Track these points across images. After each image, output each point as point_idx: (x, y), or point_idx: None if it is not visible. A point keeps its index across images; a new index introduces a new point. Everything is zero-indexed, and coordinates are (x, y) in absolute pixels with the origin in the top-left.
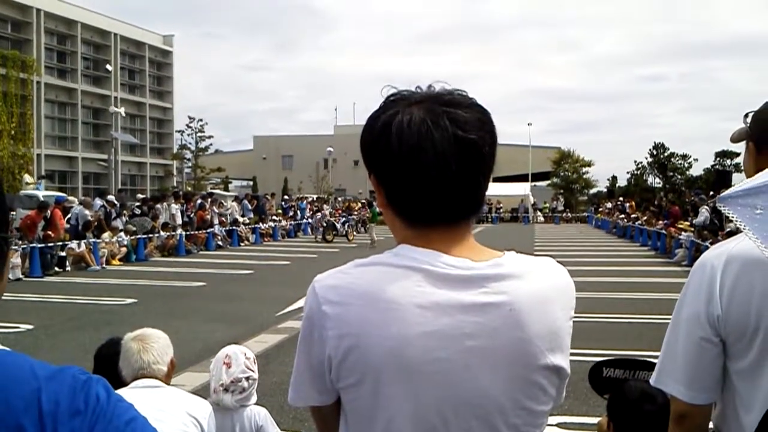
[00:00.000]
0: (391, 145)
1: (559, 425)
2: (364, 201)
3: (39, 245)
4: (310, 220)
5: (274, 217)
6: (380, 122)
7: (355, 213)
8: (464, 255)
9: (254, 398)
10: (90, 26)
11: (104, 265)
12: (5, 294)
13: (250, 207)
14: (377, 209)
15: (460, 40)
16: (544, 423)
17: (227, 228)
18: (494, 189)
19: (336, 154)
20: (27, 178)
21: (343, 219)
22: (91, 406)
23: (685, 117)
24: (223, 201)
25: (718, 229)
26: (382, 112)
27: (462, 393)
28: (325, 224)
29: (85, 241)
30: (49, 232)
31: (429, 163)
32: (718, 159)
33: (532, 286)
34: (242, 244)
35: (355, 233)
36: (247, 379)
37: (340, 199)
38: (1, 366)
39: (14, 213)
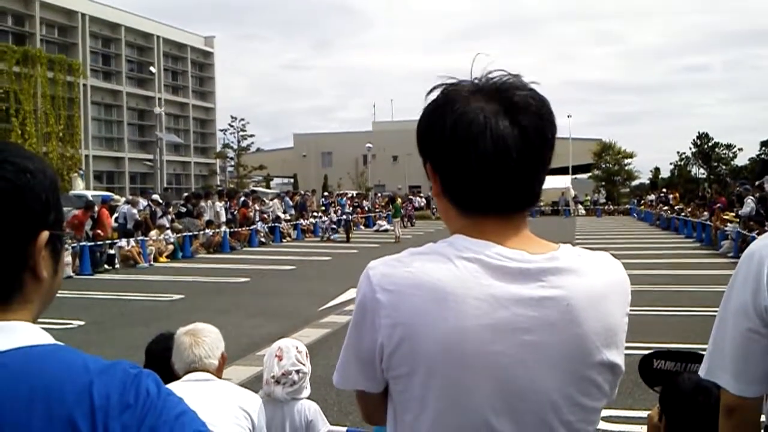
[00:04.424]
0: (448, 131)
1: (604, 419)
2: (389, 195)
3: (89, 244)
4: (352, 216)
5: (315, 214)
6: (437, 109)
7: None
8: (520, 247)
9: (307, 391)
10: (134, 29)
11: (152, 263)
12: (58, 291)
13: (291, 204)
14: (399, 204)
15: (497, 35)
16: (598, 419)
17: (269, 225)
18: None
19: (375, 150)
20: (78, 182)
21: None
22: (141, 400)
23: (729, 106)
24: (264, 198)
25: (764, 219)
26: (438, 98)
27: (516, 388)
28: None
29: (133, 239)
30: (98, 231)
31: (488, 150)
32: (763, 148)
33: (589, 281)
34: (284, 240)
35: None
36: (298, 372)
37: (379, 194)
38: (54, 360)
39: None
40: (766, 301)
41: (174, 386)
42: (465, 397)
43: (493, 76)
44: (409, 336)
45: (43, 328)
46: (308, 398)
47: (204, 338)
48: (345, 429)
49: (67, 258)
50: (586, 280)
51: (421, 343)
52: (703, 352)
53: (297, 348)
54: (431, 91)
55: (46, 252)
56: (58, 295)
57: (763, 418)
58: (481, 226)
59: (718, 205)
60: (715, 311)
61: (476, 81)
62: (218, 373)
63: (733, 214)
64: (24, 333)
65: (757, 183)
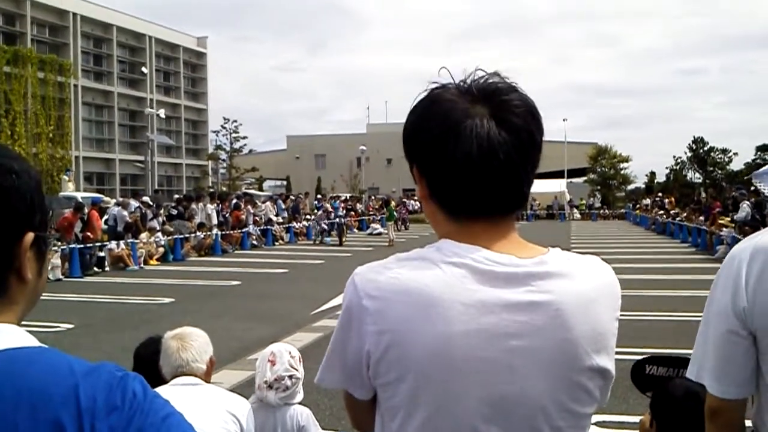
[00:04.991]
0: (433, 133)
1: (597, 424)
2: (383, 198)
3: (78, 246)
4: (344, 219)
5: (308, 216)
6: (422, 111)
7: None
8: (508, 251)
9: (299, 396)
10: (125, 29)
11: (142, 265)
12: (46, 294)
13: (283, 206)
14: (393, 207)
15: (494, 37)
16: (588, 425)
17: (262, 227)
18: None
19: (369, 152)
20: (69, 184)
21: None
22: (128, 402)
23: (725, 111)
24: (257, 201)
25: (760, 224)
26: (423, 101)
27: (504, 394)
28: (321, 226)
29: (123, 241)
30: (88, 233)
31: (473, 152)
32: (759, 153)
33: (578, 285)
34: (277, 243)
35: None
36: (290, 377)
37: (373, 197)
38: (39, 362)
39: (51, 214)
40: (744, 302)
41: (161, 390)
42: (453, 403)
43: (479, 78)
44: (396, 343)
45: (32, 331)
46: (300, 403)
47: (191, 342)
48: None
49: (57, 260)
50: (576, 284)
51: (408, 350)
52: None
53: (290, 353)
54: (418, 96)
55: (31, 253)
56: (47, 297)
57: (749, 423)
58: (469, 230)
59: (718, 209)
60: None
61: (462, 84)
62: (206, 377)
63: (729, 218)
64: (8, 335)
65: (752, 188)
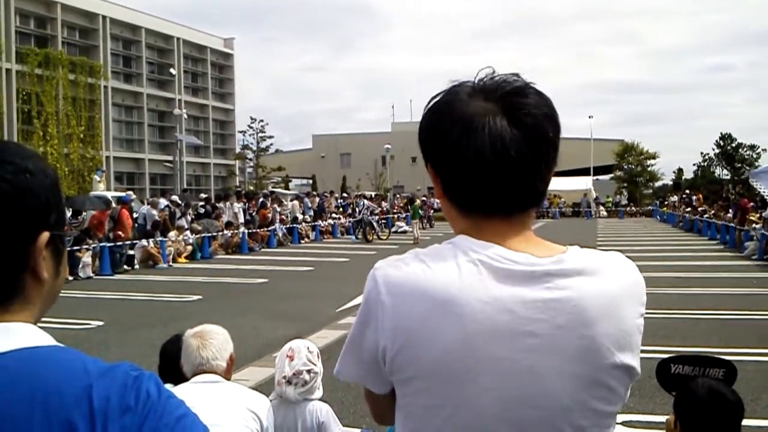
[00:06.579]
0: (446, 132)
1: (624, 423)
2: (408, 197)
3: (108, 245)
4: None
5: (334, 215)
6: (437, 110)
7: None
8: (525, 249)
9: (319, 392)
10: (154, 31)
11: (171, 263)
12: (78, 292)
13: (310, 205)
14: (417, 205)
15: (516, 36)
16: (613, 424)
17: (288, 226)
18: (555, 183)
19: (394, 151)
20: (100, 185)
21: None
22: (142, 403)
23: (752, 107)
24: (283, 199)
25: None
26: (438, 100)
27: (524, 394)
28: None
29: (152, 239)
30: (119, 232)
31: (485, 150)
32: None
33: (599, 282)
34: (302, 241)
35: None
36: (309, 371)
37: (398, 195)
38: (53, 362)
39: (85, 214)
40: None
41: (182, 388)
42: (470, 404)
43: (493, 76)
44: (412, 341)
45: (62, 328)
46: (323, 400)
47: (211, 340)
48: (359, 431)
49: (87, 258)
50: (596, 281)
51: (424, 349)
52: (722, 357)
53: (308, 348)
54: (434, 95)
55: (47, 253)
56: (78, 295)
57: None
58: (483, 227)
59: (752, 204)
60: (739, 314)
61: (477, 82)
62: (227, 374)
63: (758, 215)
64: (24, 334)
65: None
